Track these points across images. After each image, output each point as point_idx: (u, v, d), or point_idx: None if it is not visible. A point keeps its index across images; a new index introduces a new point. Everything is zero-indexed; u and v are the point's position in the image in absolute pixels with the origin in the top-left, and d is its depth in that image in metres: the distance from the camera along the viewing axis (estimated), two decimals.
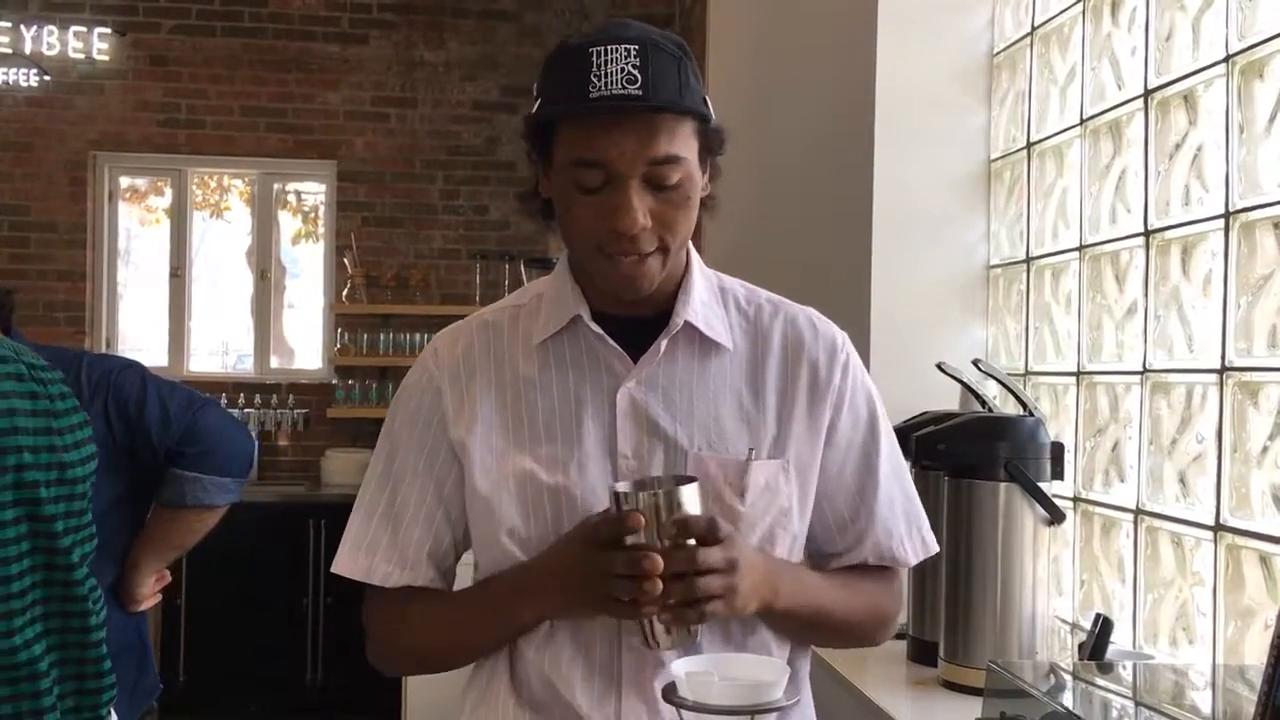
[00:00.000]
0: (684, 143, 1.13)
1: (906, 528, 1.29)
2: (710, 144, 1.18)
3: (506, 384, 1.24)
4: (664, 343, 1.21)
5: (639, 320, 1.22)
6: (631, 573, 1.04)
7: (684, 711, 1.00)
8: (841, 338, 1.29)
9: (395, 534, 1.24)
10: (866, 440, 1.27)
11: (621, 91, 1.08)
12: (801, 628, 1.23)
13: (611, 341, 1.21)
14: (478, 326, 1.29)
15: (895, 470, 1.30)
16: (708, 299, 1.26)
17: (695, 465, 1.19)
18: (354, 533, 1.27)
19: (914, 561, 1.31)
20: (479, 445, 1.22)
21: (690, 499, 1.07)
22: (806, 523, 1.25)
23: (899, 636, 2.22)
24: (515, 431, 1.22)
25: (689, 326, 1.22)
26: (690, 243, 1.26)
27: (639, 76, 1.08)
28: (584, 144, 1.12)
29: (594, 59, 1.08)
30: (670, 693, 1.02)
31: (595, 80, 1.08)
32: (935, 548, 1.33)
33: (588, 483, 1.19)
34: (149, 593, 2.12)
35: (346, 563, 1.26)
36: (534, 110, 1.16)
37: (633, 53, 1.08)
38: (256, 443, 5.45)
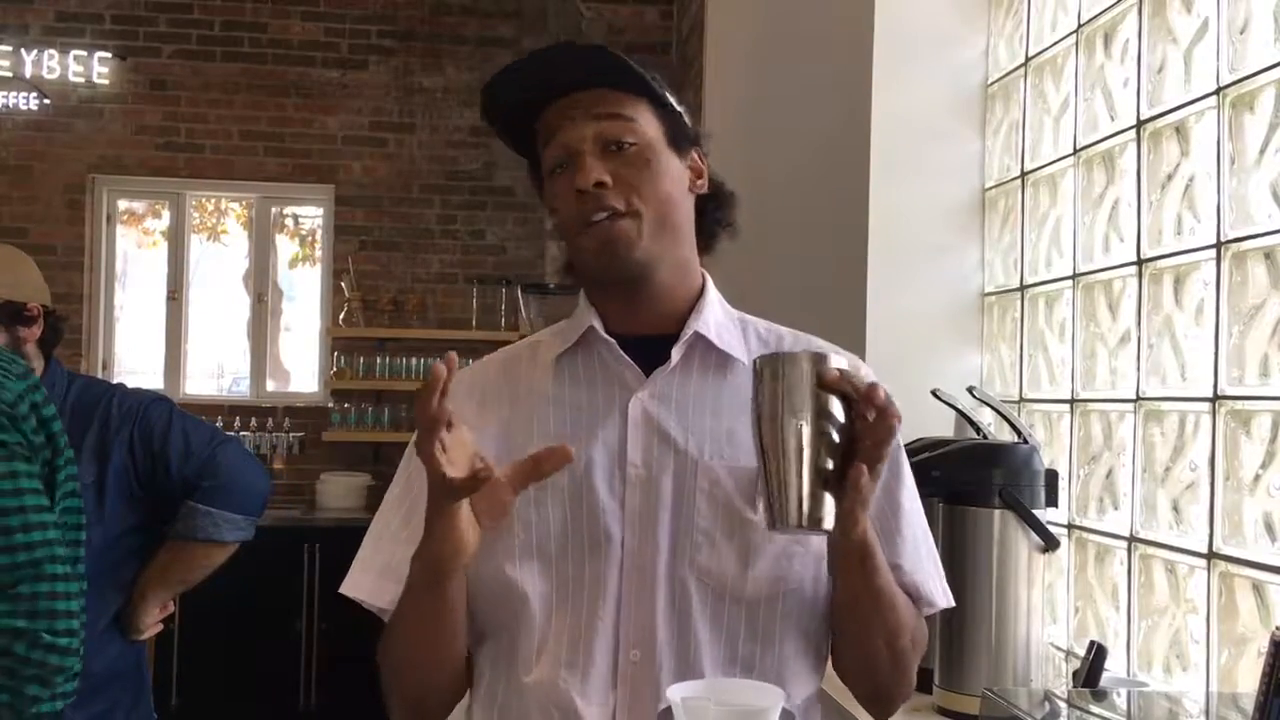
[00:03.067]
0: (633, 108, 1.19)
1: (934, 568, 1.28)
2: (676, 131, 1.23)
3: (521, 401, 1.26)
4: (677, 354, 1.23)
5: (654, 339, 1.24)
6: (425, 420, 1.01)
7: None
8: (866, 370, 1.27)
9: (401, 563, 1.20)
10: (889, 477, 1.25)
11: (561, 52, 1.19)
12: (872, 596, 1.15)
13: (623, 354, 1.23)
14: (496, 357, 1.34)
15: (917, 510, 1.29)
16: (723, 320, 1.28)
17: (706, 474, 1.19)
18: (364, 554, 1.27)
19: (940, 604, 1.27)
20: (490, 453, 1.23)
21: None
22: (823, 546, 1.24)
23: None
24: (525, 443, 1.22)
25: (704, 341, 1.24)
26: (707, 276, 1.30)
27: (585, 53, 1.19)
28: (544, 129, 1.21)
29: (543, 53, 1.19)
30: (666, 716, 1.02)
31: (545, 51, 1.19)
32: (952, 601, 1.30)
33: (594, 489, 1.20)
34: (151, 623, 2.13)
35: (353, 583, 1.25)
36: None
37: (579, 45, 1.19)
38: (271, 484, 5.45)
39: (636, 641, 1.19)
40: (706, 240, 1.31)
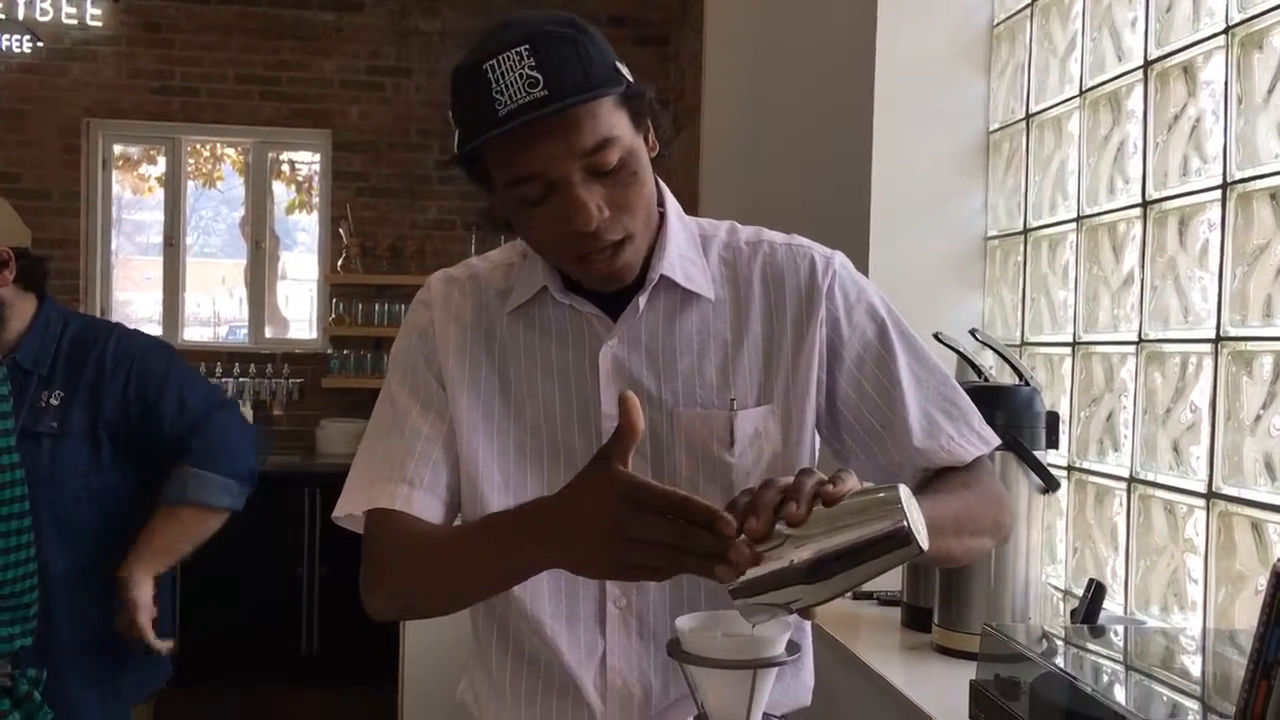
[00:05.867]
0: (608, 121, 1.08)
1: (952, 426, 1.23)
2: (638, 108, 1.13)
3: (495, 342, 1.24)
4: (643, 299, 1.20)
5: None
6: (677, 544, 0.90)
7: (686, 666, 1.02)
8: (824, 258, 1.24)
9: (399, 465, 1.20)
10: (879, 351, 1.22)
11: (526, 98, 1.03)
12: (934, 550, 1.09)
13: (588, 303, 1.20)
14: (469, 279, 1.28)
15: (921, 373, 1.23)
16: (686, 250, 1.23)
17: (682, 422, 1.19)
18: (354, 474, 1.24)
19: (980, 450, 1.24)
20: (466, 403, 1.22)
21: None
22: (811, 460, 1.23)
23: (893, 603, 2.25)
24: (501, 393, 1.22)
25: (667, 280, 1.20)
26: (667, 192, 1.24)
27: (539, 76, 1.04)
28: (511, 163, 1.08)
29: (490, 74, 1.04)
30: (673, 647, 1.03)
31: (498, 96, 1.04)
32: (995, 440, 1.26)
33: (571, 444, 1.20)
34: (142, 597, 1.99)
35: (346, 502, 1.22)
36: (455, 143, 1.12)
37: (524, 54, 1.04)
38: (252, 414, 5.47)
39: (624, 591, 1.20)
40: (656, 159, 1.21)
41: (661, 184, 1.24)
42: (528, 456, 1.21)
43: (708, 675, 1.01)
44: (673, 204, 1.25)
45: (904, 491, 0.95)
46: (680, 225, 1.24)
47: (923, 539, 0.94)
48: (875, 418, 1.22)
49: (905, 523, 0.92)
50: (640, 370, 1.20)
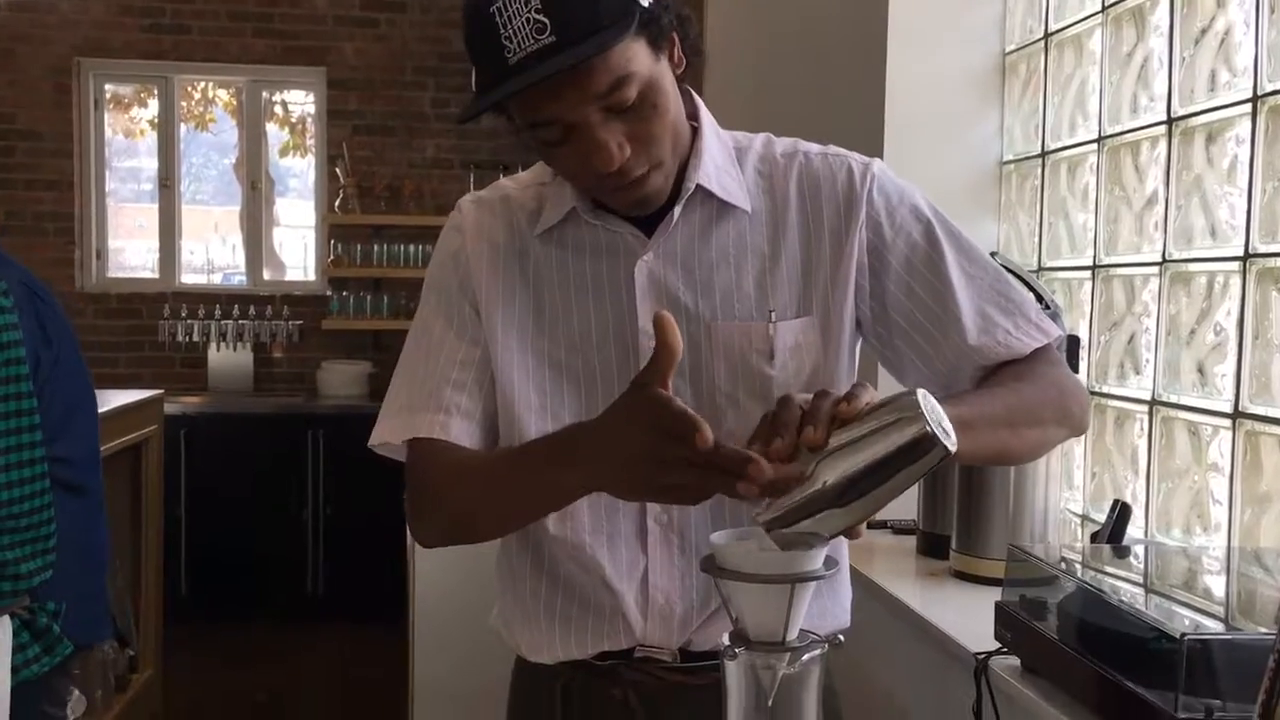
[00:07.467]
0: (623, 58, 1.04)
1: (1008, 320, 1.18)
2: (656, 32, 1.07)
3: (529, 262, 1.21)
4: (678, 210, 1.17)
5: None
6: (702, 464, 0.90)
7: (722, 581, 0.99)
8: (862, 164, 1.21)
9: (435, 393, 1.19)
10: (926, 251, 1.18)
11: (534, 46, 1.00)
12: (983, 451, 1.10)
13: (620, 219, 1.17)
14: (499, 200, 1.25)
15: (972, 270, 1.19)
16: (722, 162, 1.20)
17: (720, 336, 1.16)
18: (389, 402, 1.23)
19: (1038, 341, 1.18)
20: (500, 325, 1.20)
21: None
22: (851, 370, 1.21)
23: (907, 532, 2.24)
24: (536, 313, 1.20)
25: (703, 191, 1.17)
26: (701, 105, 1.21)
27: (545, 21, 1.00)
28: (528, 108, 1.06)
29: (497, 18, 1.01)
30: (709, 563, 1.01)
31: (507, 44, 1.01)
32: (1056, 330, 1.22)
33: (608, 362, 1.18)
34: None
35: (382, 430, 1.21)
36: (472, 80, 1.08)
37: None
38: (251, 355, 5.44)
39: (665, 508, 1.19)
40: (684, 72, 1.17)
41: (695, 96, 1.21)
42: (564, 377, 1.19)
43: (744, 590, 0.98)
44: (707, 117, 1.21)
45: (922, 395, 0.91)
46: (715, 138, 1.21)
47: (950, 441, 0.91)
48: (927, 319, 1.18)
49: (928, 427, 0.89)
50: (676, 285, 1.18)
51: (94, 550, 1.85)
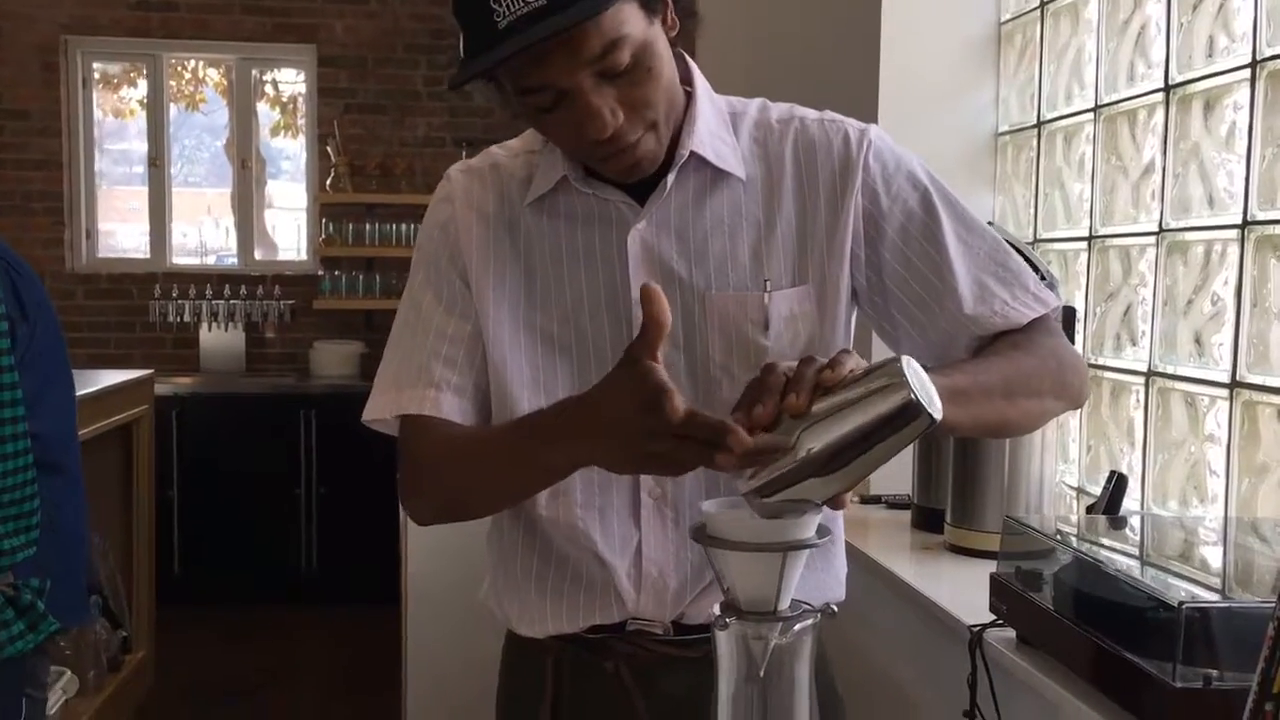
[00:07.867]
0: (615, 21, 1.01)
1: (1006, 291, 1.16)
2: None
3: (519, 232, 1.19)
4: (672, 177, 1.14)
5: None
6: (684, 434, 0.90)
7: (713, 550, 0.98)
8: (859, 130, 1.18)
9: (425, 368, 1.17)
10: (923, 219, 1.16)
11: (524, 9, 0.97)
12: (977, 420, 1.08)
13: (613, 187, 1.15)
14: (489, 169, 1.23)
15: (970, 239, 1.17)
16: (716, 128, 1.17)
17: (715, 307, 1.14)
18: (380, 378, 1.21)
19: (1030, 316, 1.17)
20: (491, 298, 1.18)
21: None
22: (846, 340, 1.19)
23: (901, 506, 2.23)
24: (527, 285, 1.18)
25: (697, 158, 1.15)
26: (695, 69, 1.18)
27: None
28: (518, 74, 1.03)
29: None
30: (699, 532, 0.99)
31: (496, 6, 0.98)
32: (1055, 300, 1.20)
33: (600, 333, 1.16)
34: None
35: (374, 406, 1.19)
36: (460, 44, 1.05)
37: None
38: (243, 335, 5.42)
39: (658, 481, 1.17)
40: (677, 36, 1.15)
41: (689, 61, 1.18)
42: (556, 349, 1.17)
43: (735, 559, 0.97)
44: (701, 82, 1.19)
45: (907, 362, 0.90)
46: (709, 103, 1.18)
47: (935, 409, 0.89)
48: (923, 288, 1.16)
49: (912, 395, 0.87)
50: (670, 253, 1.15)
51: (70, 530, 1.82)
